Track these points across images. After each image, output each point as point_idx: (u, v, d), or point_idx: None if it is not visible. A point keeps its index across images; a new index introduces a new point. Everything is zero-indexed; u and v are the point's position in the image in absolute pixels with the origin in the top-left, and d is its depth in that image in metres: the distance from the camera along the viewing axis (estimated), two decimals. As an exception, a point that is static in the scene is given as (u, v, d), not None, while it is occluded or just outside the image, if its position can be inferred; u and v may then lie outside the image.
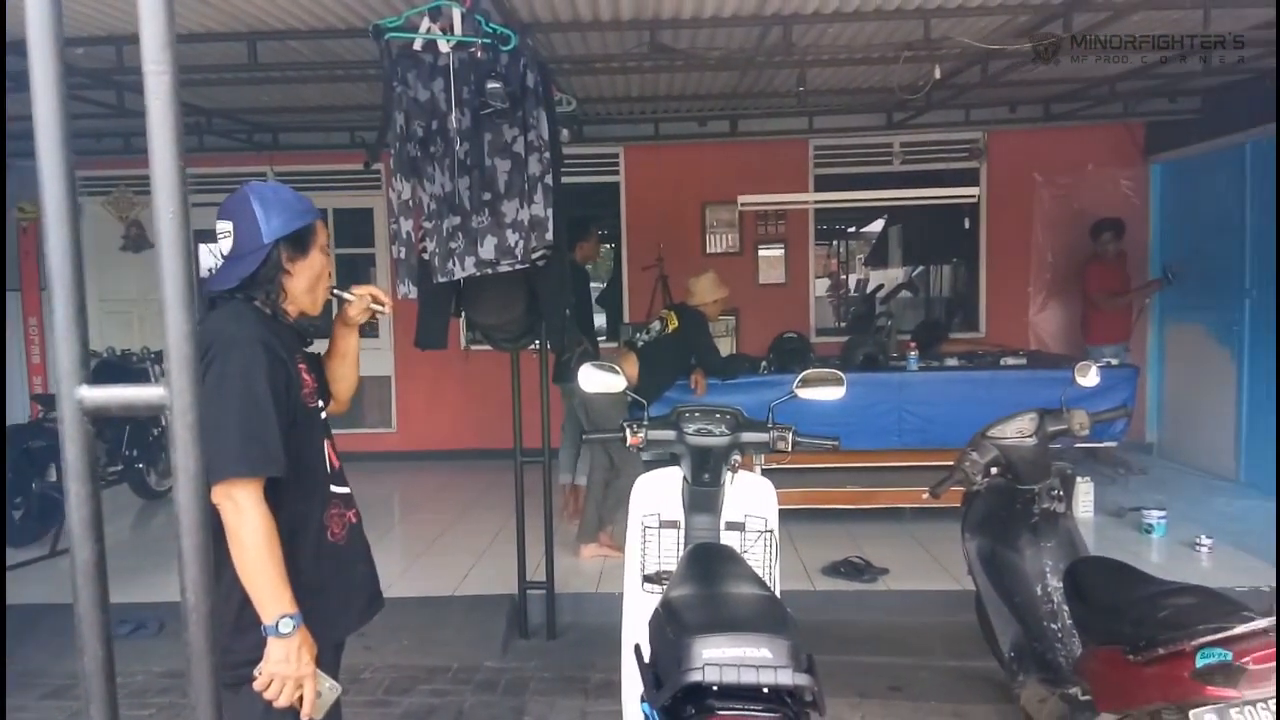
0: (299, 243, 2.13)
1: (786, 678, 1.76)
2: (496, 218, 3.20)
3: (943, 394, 5.51)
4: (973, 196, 6.41)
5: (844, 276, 9.53)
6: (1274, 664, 2.18)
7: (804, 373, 2.97)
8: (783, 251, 8.43)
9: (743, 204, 6.85)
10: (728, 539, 2.91)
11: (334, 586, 2.15)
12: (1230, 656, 2.20)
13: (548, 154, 3.22)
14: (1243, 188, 6.90)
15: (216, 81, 5.33)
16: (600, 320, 8.97)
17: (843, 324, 8.70)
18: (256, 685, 1.93)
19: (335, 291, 2.32)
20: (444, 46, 3.06)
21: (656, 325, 5.57)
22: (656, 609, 2.25)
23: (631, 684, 2.74)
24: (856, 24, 4.62)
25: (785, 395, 2.94)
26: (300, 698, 1.95)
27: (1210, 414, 7.34)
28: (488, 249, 3.20)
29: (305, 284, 2.17)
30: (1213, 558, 5.11)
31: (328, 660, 2.08)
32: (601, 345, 6.43)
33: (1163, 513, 5.55)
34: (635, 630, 2.83)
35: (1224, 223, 7.10)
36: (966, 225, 8.37)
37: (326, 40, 4.51)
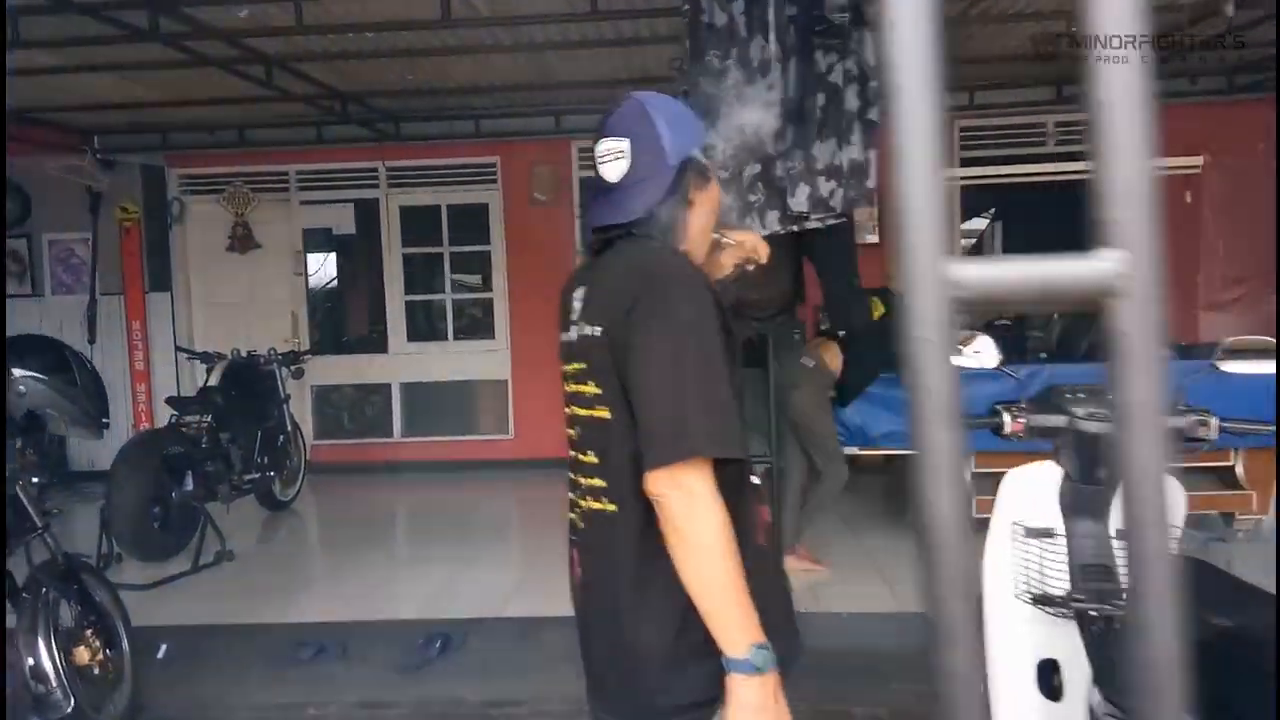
0: (703, 166, 1.65)
1: None
2: (808, 163, 2.68)
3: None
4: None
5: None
6: None
7: (1228, 340, 2.41)
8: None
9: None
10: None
11: (771, 603, 1.62)
12: None
13: (871, 84, 2.71)
14: None
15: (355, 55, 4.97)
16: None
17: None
18: (723, 744, 1.41)
19: (716, 234, 1.85)
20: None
21: (860, 312, 5.01)
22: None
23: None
24: None
25: (1204, 367, 2.38)
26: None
27: None
28: (799, 199, 2.68)
29: (703, 221, 1.68)
30: None
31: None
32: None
33: None
34: (1009, 655, 2.29)
35: None
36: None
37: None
